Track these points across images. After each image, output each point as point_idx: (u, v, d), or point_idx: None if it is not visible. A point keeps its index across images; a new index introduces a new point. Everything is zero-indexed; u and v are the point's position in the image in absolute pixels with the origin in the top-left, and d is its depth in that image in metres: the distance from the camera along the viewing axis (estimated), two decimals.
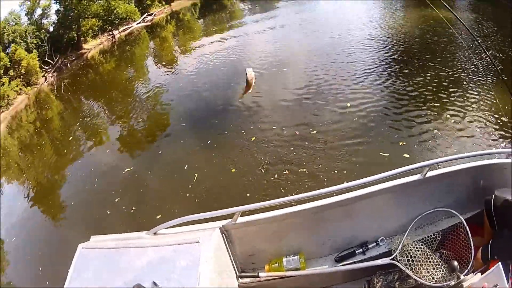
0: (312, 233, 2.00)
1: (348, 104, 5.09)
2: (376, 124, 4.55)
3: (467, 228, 1.91)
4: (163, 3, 22.26)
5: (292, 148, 4.40)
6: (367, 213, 1.98)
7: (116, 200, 4.41)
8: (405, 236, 1.91)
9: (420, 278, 1.75)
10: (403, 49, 7.18)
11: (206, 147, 4.97)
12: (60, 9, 18.53)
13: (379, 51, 7.20)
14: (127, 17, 19.41)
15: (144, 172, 4.88)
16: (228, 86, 7.04)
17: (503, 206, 1.95)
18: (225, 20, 15.79)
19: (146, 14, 20.57)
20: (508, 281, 1.64)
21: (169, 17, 20.19)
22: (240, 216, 1.85)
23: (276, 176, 3.99)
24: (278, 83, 6.57)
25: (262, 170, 4.12)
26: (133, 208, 4.18)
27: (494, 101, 4.72)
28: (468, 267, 1.77)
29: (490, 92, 4.95)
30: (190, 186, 4.18)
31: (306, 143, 4.45)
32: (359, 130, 4.47)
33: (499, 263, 1.47)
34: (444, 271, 1.81)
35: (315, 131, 4.65)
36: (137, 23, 19.73)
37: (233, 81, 7.21)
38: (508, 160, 2.18)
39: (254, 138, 4.82)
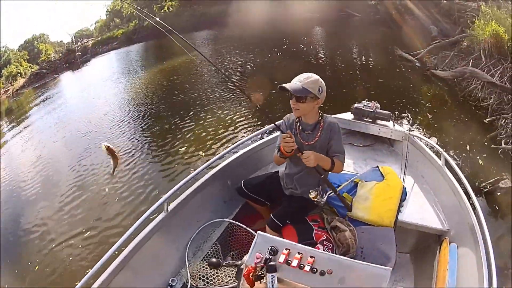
0: None
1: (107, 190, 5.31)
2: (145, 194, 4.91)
3: (238, 222, 2.10)
4: None
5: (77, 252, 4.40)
6: (148, 264, 1.95)
7: None
8: (187, 265, 1.96)
9: (226, 284, 1.84)
10: (149, 114, 7.88)
11: None
12: None
13: (131, 128, 7.49)
14: None
15: None
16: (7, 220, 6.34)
17: (256, 184, 2.12)
18: None
19: None
20: (312, 235, 1.84)
21: None
22: None
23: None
24: (51, 199, 6.16)
25: None
26: None
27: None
28: None
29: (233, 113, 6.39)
30: None
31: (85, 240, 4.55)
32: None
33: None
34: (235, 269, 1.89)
35: (88, 232, 4.78)
36: None
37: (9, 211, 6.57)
38: (242, 152, 2.48)
39: (37, 267, 4.65)
